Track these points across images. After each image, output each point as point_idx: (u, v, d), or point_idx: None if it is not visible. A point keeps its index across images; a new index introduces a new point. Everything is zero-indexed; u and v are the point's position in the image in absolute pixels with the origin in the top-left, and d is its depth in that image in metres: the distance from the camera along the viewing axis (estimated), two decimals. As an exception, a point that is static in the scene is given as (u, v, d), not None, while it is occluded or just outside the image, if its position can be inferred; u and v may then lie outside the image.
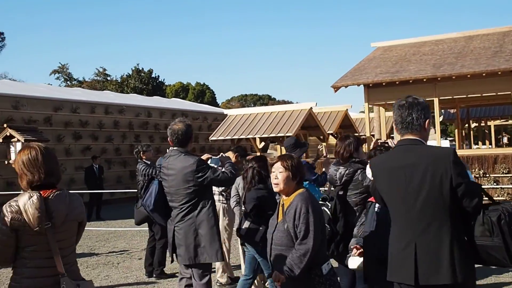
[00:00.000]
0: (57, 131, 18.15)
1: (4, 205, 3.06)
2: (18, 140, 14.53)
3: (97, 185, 15.93)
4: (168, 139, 5.01)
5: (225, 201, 7.41)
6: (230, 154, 7.34)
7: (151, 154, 8.69)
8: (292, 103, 50.73)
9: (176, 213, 4.94)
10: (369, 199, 4.46)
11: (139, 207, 6.35)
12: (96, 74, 51.11)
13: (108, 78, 50.61)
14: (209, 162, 5.15)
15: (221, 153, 5.80)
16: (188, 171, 4.80)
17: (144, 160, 8.45)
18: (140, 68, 50.48)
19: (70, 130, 18.83)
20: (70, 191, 3.31)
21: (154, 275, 7.91)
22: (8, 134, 14.58)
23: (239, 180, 6.49)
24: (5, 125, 14.69)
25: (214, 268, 6.74)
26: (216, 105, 55.40)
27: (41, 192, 3.08)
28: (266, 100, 73.50)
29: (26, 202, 3.00)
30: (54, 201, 3.09)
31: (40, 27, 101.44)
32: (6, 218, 3.01)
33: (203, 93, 59.46)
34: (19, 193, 3.18)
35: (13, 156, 14.73)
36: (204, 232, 4.86)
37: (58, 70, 51.86)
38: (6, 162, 14.95)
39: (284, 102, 63.80)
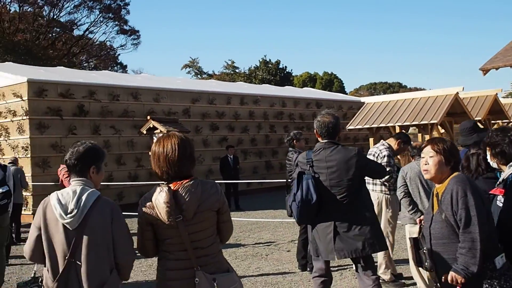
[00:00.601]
0: (195, 123, 18.39)
1: (140, 199, 3.11)
2: (161, 132, 14.78)
3: (232, 176, 15.86)
4: (315, 131, 4.85)
5: (388, 192, 6.76)
6: (391, 141, 6.68)
7: (303, 143, 8.18)
8: (425, 90, 48.14)
9: (335, 205, 4.67)
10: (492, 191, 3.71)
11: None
12: (225, 66, 52.27)
13: (237, 70, 51.47)
14: None
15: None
16: (352, 162, 4.64)
17: (296, 149, 7.95)
18: (268, 60, 50.75)
19: (207, 121, 19.03)
20: (205, 180, 3.20)
21: (308, 269, 7.45)
22: (151, 125, 14.90)
23: (406, 169, 5.80)
24: (148, 117, 15.00)
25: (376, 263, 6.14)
26: (345, 94, 54.19)
27: (171, 185, 3.04)
28: (396, 88, 70.78)
29: (156, 196, 2.99)
30: (184, 193, 3.01)
31: (172, 24, 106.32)
32: (141, 212, 3.07)
33: (331, 83, 58.54)
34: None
35: (156, 147, 15.04)
36: (368, 223, 4.66)
37: (189, 64, 53.73)
38: (150, 153, 15.29)
39: (416, 89, 60.87)
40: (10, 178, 7.20)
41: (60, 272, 2.99)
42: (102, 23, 40.00)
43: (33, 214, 14.71)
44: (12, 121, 15.19)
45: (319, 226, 4.75)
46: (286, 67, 51.99)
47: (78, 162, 3.14)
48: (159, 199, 2.98)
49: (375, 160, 6.37)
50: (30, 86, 14.85)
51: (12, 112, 15.14)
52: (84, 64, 42.43)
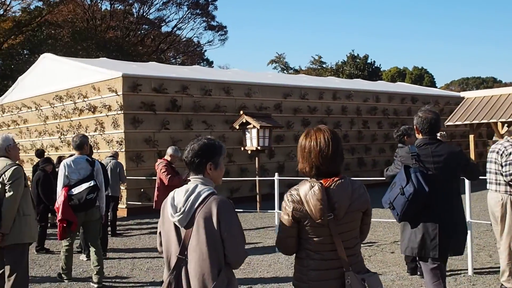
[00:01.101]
0: (287, 118, 17.86)
1: (285, 194, 2.98)
2: (254, 127, 14.39)
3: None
4: (415, 127, 4.75)
5: (514, 193, 6.11)
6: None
7: (415, 139, 7.37)
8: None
9: (439, 202, 4.49)
10: None
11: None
12: (311, 62, 51.52)
13: (324, 66, 50.57)
14: None
15: None
16: (458, 159, 4.58)
17: (406, 145, 7.17)
18: (356, 54, 49.50)
19: (299, 117, 18.47)
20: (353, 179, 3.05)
21: (418, 273, 6.82)
22: (244, 120, 14.54)
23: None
24: (241, 112, 14.66)
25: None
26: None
27: (322, 181, 2.92)
28: (490, 83, 67.07)
29: (307, 192, 2.88)
30: (336, 191, 2.91)
31: (258, 19, 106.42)
32: (287, 208, 2.94)
33: (421, 78, 56.31)
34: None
35: (248, 142, 14.66)
36: (462, 221, 4.61)
37: (275, 60, 53.50)
38: (242, 148, 14.96)
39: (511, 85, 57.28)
40: (98, 173, 7.21)
41: (171, 268, 2.98)
42: (190, 19, 40.50)
43: (127, 208, 14.84)
44: (107, 115, 15.31)
45: (422, 223, 4.50)
46: (374, 61, 50.57)
47: (194, 160, 3.05)
48: (311, 195, 2.86)
49: (498, 157, 5.98)
50: (125, 81, 14.88)
51: (107, 106, 15.25)
52: (172, 61, 43.14)
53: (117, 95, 14.92)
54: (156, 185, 9.41)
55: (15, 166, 5.42)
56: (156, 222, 13.07)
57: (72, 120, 16.76)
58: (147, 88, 15.25)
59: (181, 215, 2.95)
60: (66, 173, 6.94)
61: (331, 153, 2.94)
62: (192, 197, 2.97)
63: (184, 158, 3.10)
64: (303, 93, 18.67)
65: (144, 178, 14.79)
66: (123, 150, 14.81)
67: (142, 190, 14.97)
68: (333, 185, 2.91)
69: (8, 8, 32.16)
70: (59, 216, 6.79)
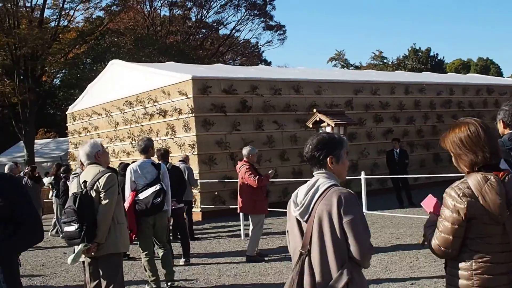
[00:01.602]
0: (358, 114, 17.26)
1: (448, 190, 2.68)
2: (328, 125, 13.89)
3: (397, 170, 14.54)
4: (501, 120, 4.27)
5: None
6: None
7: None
8: None
9: None
10: None
11: None
12: (372, 57, 50.43)
13: (385, 61, 49.41)
14: None
15: None
16: None
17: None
18: (417, 48, 48.06)
19: (370, 113, 17.84)
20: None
21: None
22: (317, 119, 14.06)
23: None
24: (313, 110, 14.19)
25: None
26: (503, 80, 49.74)
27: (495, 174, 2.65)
28: (562, 71, 63.67)
29: (482, 186, 2.61)
30: (509, 184, 2.64)
31: (315, 16, 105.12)
32: (459, 204, 2.63)
33: (487, 69, 54.15)
34: None
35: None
36: None
37: (334, 57, 52.75)
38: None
39: None
40: (164, 176, 7.14)
41: (295, 263, 2.92)
42: (248, 21, 40.39)
43: (202, 211, 14.68)
44: (178, 119, 15.20)
45: None
46: (437, 54, 48.96)
47: (314, 154, 3.00)
48: (488, 189, 2.59)
49: None
50: (195, 83, 14.73)
51: (178, 110, 15.14)
52: (231, 63, 43.19)
53: (187, 98, 14.78)
54: (239, 189, 9.13)
55: (109, 173, 5.20)
56: (232, 226, 12.97)
57: (142, 125, 16.79)
58: (217, 90, 15.05)
59: (301, 208, 2.92)
60: (133, 178, 6.89)
61: (487, 145, 2.70)
62: (312, 190, 2.92)
63: (304, 154, 3.07)
64: (374, 88, 18.03)
65: (218, 181, 14.58)
66: (196, 153, 14.66)
67: (216, 193, 14.77)
68: (507, 177, 2.66)
69: (71, 19, 32.97)
70: None
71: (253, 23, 40.81)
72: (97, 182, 5.09)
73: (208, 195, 14.67)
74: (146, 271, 7.11)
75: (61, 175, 12.28)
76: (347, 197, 2.84)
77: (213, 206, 14.52)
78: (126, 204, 6.62)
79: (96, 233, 5.02)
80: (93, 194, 5.09)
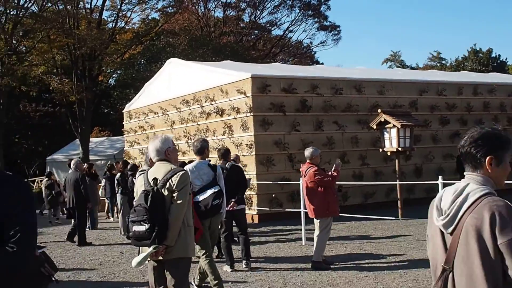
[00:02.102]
0: (423, 116, 16.43)
1: None
2: (394, 126, 13.22)
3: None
4: None
5: None
6: None
7: None
8: None
9: None
10: None
11: None
12: (430, 59, 48.91)
13: (443, 62, 47.83)
14: None
15: None
16: None
17: None
18: (478, 49, 46.27)
19: (436, 115, 16.98)
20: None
21: None
22: (382, 119, 13.42)
23: None
24: (378, 110, 13.55)
25: None
26: None
27: None
28: None
29: None
30: None
31: (371, 16, 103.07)
32: None
33: (552, 71, 51.52)
34: None
35: (387, 143, 13.52)
36: None
37: (390, 58, 51.48)
38: (380, 149, 13.84)
39: None
40: (220, 178, 6.98)
41: (437, 278, 2.53)
42: (302, 21, 39.82)
43: (258, 214, 14.23)
44: (236, 118, 14.81)
45: None
46: (499, 55, 46.98)
47: (470, 150, 2.48)
48: None
49: None
50: (254, 81, 14.31)
51: (236, 109, 14.75)
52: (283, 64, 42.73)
53: (246, 96, 14.37)
54: (307, 192, 8.60)
55: (183, 172, 4.78)
56: (291, 230, 12.45)
57: (199, 124, 16.50)
58: (276, 89, 14.59)
59: (446, 219, 2.48)
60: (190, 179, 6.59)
61: None
62: (460, 199, 2.43)
63: (458, 147, 2.60)
64: (440, 89, 17.16)
65: (275, 182, 14.09)
66: (253, 153, 14.23)
67: (273, 195, 14.29)
68: None
69: (128, 20, 33.34)
70: None
71: (306, 23, 40.25)
72: (170, 181, 4.68)
73: (265, 197, 14.20)
74: (207, 275, 6.70)
75: (128, 172, 12.13)
76: (503, 212, 2.33)
77: (269, 209, 14.01)
78: None
79: (167, 235, 4.60)
80: (165, 192, 4.68)
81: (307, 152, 8.64)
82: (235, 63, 19.50)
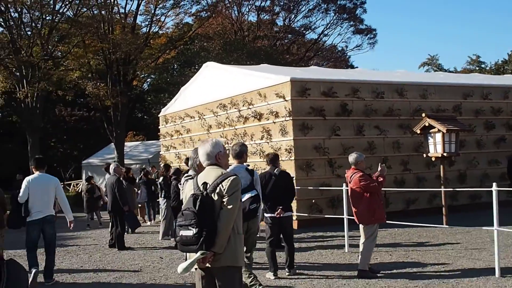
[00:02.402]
0: (467, 121, 15.87)
1: None
2: (439, 131, 12.77)
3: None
4: None
5: None
6: None
7: None
8: None
9: None
10: None
11: None
12: (468, 62, 47.79)
13: (482, 66, 46.70)
14: None
15: None
16: None
17: None
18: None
19: (481, 119, 16.42)
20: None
21: None
22: (426, 124, 12.98)
23: None
24: (423, 115, 13.12)
25: None
26: None
27: None
28: None
29: None
30: None
31: (407, 19, 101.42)
32: None
33: None
34: None
35: (431, 148, 13.07)
36: None
37: (427, 62, 50.53)
38: (424, 155, 13.40)
39: None
40: (257, 183, 6.94)
41: None
42: (336, 25, 39.38)
43: (297, 219, 13.92)
44: (274, 122, 14.57)
45: None
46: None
47: None
48: None
49: None
50: (293, 85, 14.04)
51: (274, 113, 14.51)
52: (317, 68, 42.28)
53: (285, 100, 14.11)
54: (352, 198, 8.31)
55: (234, 177, 4.55)
56: (332, 236, 12.12)
57: (236, 128, 16.31)
58: (315, 93, 14.29)
59: None
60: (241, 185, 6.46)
61: None
62: None
63: None
64: (485, 92, 16.58)
65: (315, 188, 13.76)
66: (292, 158, 13.95)
67: (313, 201, 13.98)
68: None
69: (162, 25, 33.49)
70: None
71: (341, 27, 39.80)
72: (220, 185, 4.45)
73: (304, 202, 13.88)
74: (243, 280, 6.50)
75: (172, 176, 12.02)
76: None
77: (308, 215, 13.69)
78: None
79: (215, 241, 4.37)
80: (215, 197, 4.46)
81: (351, 157, 8.37)
82: (273, 67, 19.29)
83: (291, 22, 39.61)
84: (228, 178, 4.48)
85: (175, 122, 20.28)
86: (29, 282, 7.16)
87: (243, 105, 15.79)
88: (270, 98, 14.72)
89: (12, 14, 27.05)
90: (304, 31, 40.73)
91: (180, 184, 9.01)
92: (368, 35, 40.18)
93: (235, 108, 16.21)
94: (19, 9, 26.53)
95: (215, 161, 4.71)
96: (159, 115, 22.43)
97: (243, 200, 6.41)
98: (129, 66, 29.44)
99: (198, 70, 32.77)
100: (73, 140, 38.89)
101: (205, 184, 4.53)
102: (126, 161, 28.34)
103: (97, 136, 37.43)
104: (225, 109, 16.72)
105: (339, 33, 45.38)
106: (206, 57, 31.88)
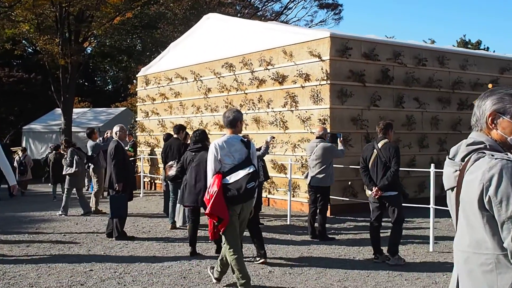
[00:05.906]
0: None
1: None
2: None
3: None
4: None
5: None
6: None
7: None
8: None
9: None
10: None
11: None
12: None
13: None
14: None
15: None
16: None
17: None
18: (467, 40, 44.99)
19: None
20: None
21: None
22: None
23: None
24: (490, 85, 11.32)
25: None
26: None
27: None
28: None
29: None
30: None
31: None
32: None
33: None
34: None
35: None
36: None
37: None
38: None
39: None
40: (254, 157, 5.97)
41: None
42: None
43: (330, 204, 11.74)
44: (303, 86, 12.27)
45: None
46: (487, 48, 45.68)
47: None
48: None
49: None
50: (333, 42, 11.78)
51: (304, 75, 12.20)
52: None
53: (321, 60, 11.83)
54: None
55: None
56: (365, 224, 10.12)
57: (246, 93, 13.85)
58: (356, 53, 12.10)
59: None
60: (219, 157, 5.70)
61: None
62: None
63: None
64: (522, 68, 15.09)
65: (352, 167, 11.62)
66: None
67: (349, 183, 11.88)
68: None
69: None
70: (208, 209, 5.55)
71: (305, 0, 37.66)
72: None
73: (339, 184, 11.69)
74: (233, 272, 5.75)
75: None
76: None
77: (343, 198, 11.58)
78: (214, 188, 5.56)
79: None
80: None
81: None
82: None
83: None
84: None
85: (159, 83, 17.40)
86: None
87: (260, 65, 13.34)
88: (298, 58, 12.39)
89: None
90: (267, 2, 38.30)
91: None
92: (334, 11, 38.31)
93: (247, 69, 13.73)
94: None
95: None
96: (137, 75, 19.32)
97: (238, 178, 5.63)
98: (83, 24, 25.92)
99: (161, 33, 29.75)
100: (9, 104, 34.62)
101: None
102: (74, 129, 25.27)
103: (36, 100, 33.56)
104: (232, 70, 14.18)
105: (303, 6, 43.35)
106: (172, 18, 28.82)
